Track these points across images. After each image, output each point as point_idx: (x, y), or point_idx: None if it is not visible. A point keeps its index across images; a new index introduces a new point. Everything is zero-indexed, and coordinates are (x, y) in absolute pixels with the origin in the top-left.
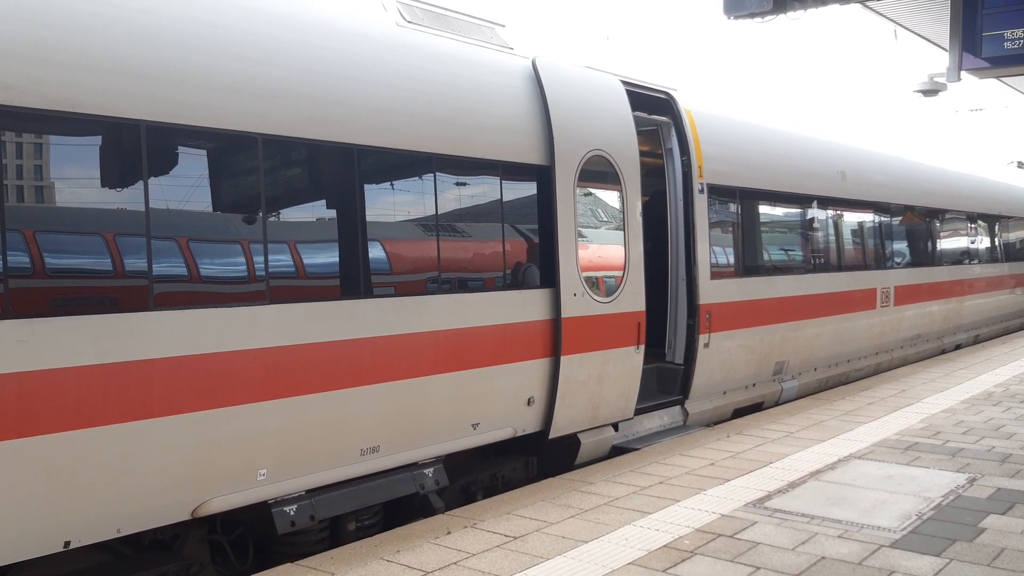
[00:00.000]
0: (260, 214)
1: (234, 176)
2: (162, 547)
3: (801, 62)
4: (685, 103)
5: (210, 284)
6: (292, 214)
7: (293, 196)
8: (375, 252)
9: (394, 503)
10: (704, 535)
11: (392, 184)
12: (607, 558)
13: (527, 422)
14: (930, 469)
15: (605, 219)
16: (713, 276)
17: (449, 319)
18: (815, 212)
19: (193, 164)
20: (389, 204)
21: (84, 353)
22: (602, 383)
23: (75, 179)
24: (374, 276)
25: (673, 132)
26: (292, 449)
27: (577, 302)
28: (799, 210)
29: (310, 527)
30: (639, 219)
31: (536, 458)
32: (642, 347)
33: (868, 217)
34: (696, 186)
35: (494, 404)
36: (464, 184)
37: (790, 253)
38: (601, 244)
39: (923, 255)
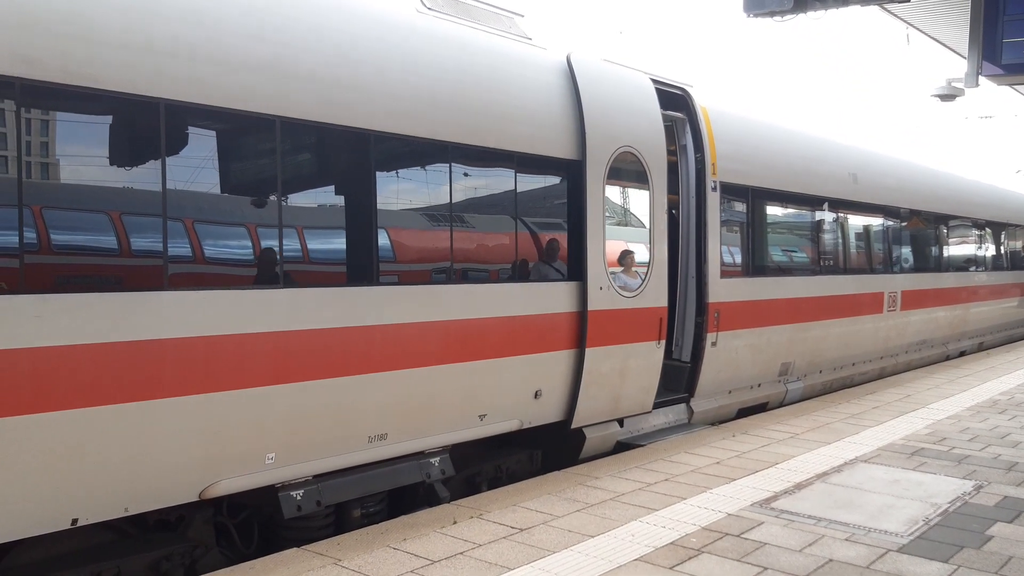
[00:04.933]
0: (276, 197)
1: (251, 158)
2: (167, 528)
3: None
4: (701, 100)
5: (224, 266)
6: (308, 198)
7: (309, 180)
8: (393, 240)
9: (399, 491)
10: (711, 534)
11: (413, 172)
12: (613, 553)
13: (536, 414)
14: (937, 475)
15: (631, 215)
16: (723, 275)
17: (473, 308)
18: (826, 214)
19: (211, 145)
20: (408, 192)
21: (97, 331)
22: (623, 376)
23: (92, 156)
24: (390, 264)
25: (688, 129)
26: (301, 434)
27: (603, 296)
28: (810, 211)
29: (316, 512)
30: (664, 216)
31: (541, 451)
32: (663, 342)
33: (878, 220)
34: (709, 184)
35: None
36: (494, 176)
37: (800, 254)
38: (627, 239)
39: (931, 260)
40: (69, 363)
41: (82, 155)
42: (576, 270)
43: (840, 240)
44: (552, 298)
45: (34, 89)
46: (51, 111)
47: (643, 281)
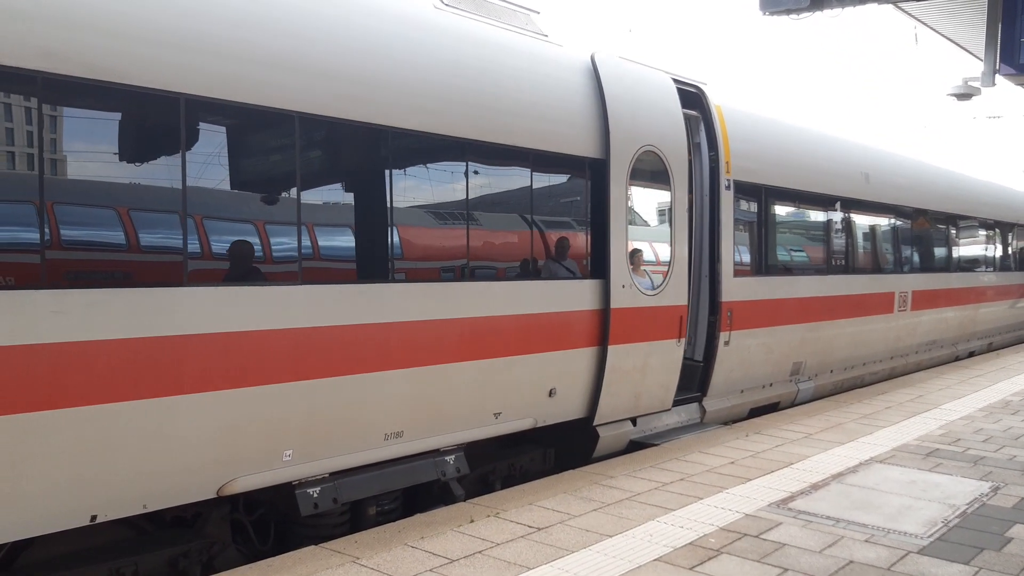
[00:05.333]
0: (294, 194)
1: (270, 154)
2: (184, 525)
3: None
4: (715, 98)
5: (243, 262)
6: (326, 195)
7: (327, 176)
8: (413, 237)
9: (412, 489)
10: (729, 534)
11: (433, 169)
12: (632, 553)
13: (550, 413)
14: (953, 476)
15: (653, 213)
16: (736, 274)
17: (492, 306)
18: (838, 213)
19: (231, 140)
20: (428, 189)
21: (117, 326)
22: (644, 374)
23: (112, 151)
24: (409, 261)
25: (702, 127)
26: (318, 431)
27: (625, 293)
28: (822, 211)
29: (331, 510)
30: (686, 215)
31: (554, 450)
32: (683, 340)
33: (889, 220)
34: (723, 182)
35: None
36: (516, 174)
37: (812, 253)
38: (648, 239)
39: (941, 260)
40: (88, 359)
41: (102, 150)
42: (598, 268)
43: (852, 240)
44: (574, 296)
45: (55, 84)
46: (72, 106)
47: (663, 280)
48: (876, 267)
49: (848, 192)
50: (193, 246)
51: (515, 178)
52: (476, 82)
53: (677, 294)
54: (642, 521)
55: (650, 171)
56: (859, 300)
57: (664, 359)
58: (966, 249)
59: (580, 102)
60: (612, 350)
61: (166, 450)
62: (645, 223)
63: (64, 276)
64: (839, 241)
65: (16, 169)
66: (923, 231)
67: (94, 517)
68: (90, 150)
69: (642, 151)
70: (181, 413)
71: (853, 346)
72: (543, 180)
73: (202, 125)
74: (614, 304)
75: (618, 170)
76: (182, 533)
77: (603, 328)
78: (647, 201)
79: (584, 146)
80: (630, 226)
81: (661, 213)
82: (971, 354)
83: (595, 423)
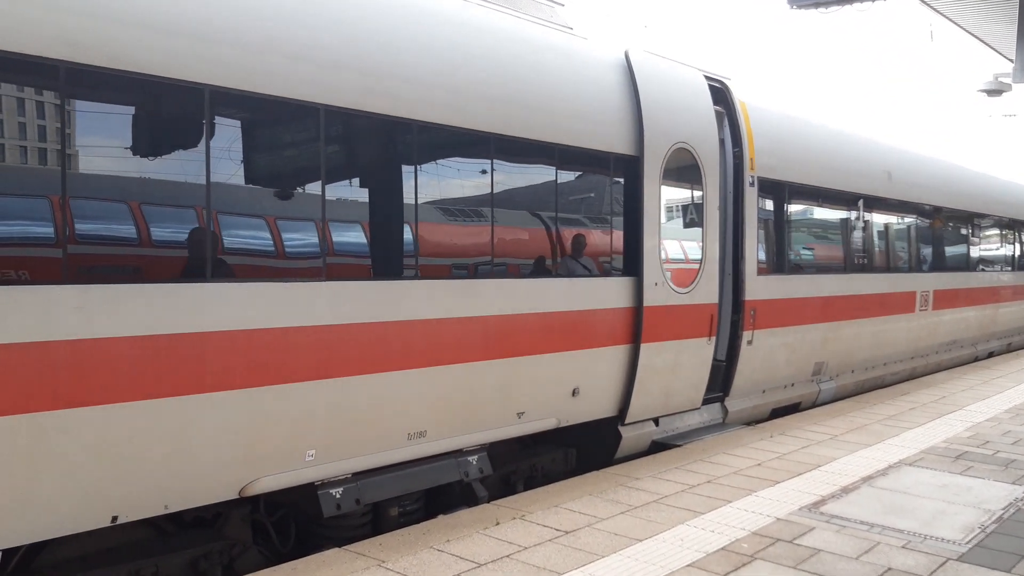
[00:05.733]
0: (320, 188)
1: (295, 148)
2: (204, 525)
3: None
4: (739, 94)
5: (268, 258)
6: (350, 190)
7: (353, 171)
8: (440, 234)
9: (434, 490)
10: (762, 539)
11: (463, 164)
12: (664, 559)
13: (573, 412)
14: (985, 480)
15: (685, 211)
16: (759, 272)
17: (522, 304)
18: (861, 211)
19: (256, 133)
20: (457, 185)
21: (140, 323)
22: (675, 372)
23: (135, 144)
24: (436, 258)
25: (726, 122)
26: (341, 431)
27: (658, 291)
28: (845, 208)
29: (353, 511)
30: (716, 213)
31: (575, 450)
32: (713, 339)
33: (911, 218)
34: (747, 179)
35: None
36: (548, 171)
37: (834, 252)
38: (680, 237)
39: (962, 259)
40: (110, 356)
41: (125, 143)
42: (630, 266)
43: (875, 238)
44: (605, 293)
45: (78, 74)
46: (95, 97)
47: (694, 278)
48: (898, 266)
49: (870, 190)
50: (218, 241)
51: (547, 175)
52: (508, 77)
53: (708, 292)
54: (671, 525)
55: (682, 169)
56: (881, 299)
57: (695, 357)
58: (986, 248)
59: (614, 99)
60: (645, 348)
61: (188, 450)
62: (677, 221)
63: (86, 271)
64: (861, 240)
65: (36, 162)
66: (944, 230)
67: (115, 518)
68: (114, 142)
69: (675, 148)
70: (204, 412)
71: (874, 346)
72: (576, 177)
73: (227, 117)
74: (647, 302)
75: (652, 167)
76: (202, 534)
77: (635, 326)
78: (679, 199)
79: (618, 143)
80: (665, 224)
81: (693, 211)
82: (990, 354)
83: (626, 421)
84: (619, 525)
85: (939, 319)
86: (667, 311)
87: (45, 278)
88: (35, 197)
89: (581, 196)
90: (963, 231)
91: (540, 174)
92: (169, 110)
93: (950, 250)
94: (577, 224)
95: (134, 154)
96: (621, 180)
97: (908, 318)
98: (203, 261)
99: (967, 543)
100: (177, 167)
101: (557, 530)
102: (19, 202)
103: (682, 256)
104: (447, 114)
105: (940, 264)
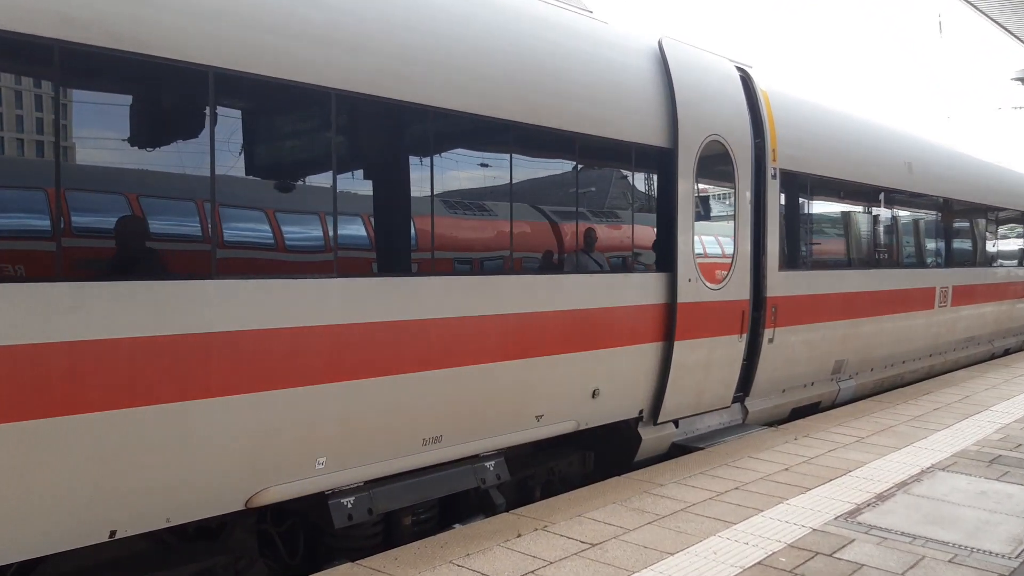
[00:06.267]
0: (331, 179)
1: (305, 135)
2: (208, 536)
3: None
4: (761, 82)
5: (276, 252)
6: (362, 181)
7: (366, 161)
8: (461, 228)
9: (449, 496)
10: (800, 552)
11: (486, 155)
12: (698, 574)
13: (592, 414)
14: None
15: (717, 205)
16: (780, 267)
17: (547, 302)
18: (881, 204)
19: (265, 119)
20: (478, 176)
21: (139, 323)
22: (707, 370)
23: (135, 132)
24: (457, 252)
25: (747, 111)
26: (353, 437)
27: (692, 288)
28: (866, 202)
29: (365, 521)
30: (749, 207)
31: (592, 453)
32: (744, 336)
33: (931, 212)
34: (769, 171)
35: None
36: (579, 162)
37: (855, 247)
38: (713, 233)
39: (980, 254)
40: (107, 359)
41: (125, 130)
42: (663, 261)
43: (895, 232)
44: (636, 290)
45: (74, 54)
46: (92, 79)
47: (726, 273)
48: (917, 261)
49: (891, 183)
50: (223, 235)
51: (575, 167)
52: (534, 63)
53: (740, 288)
54: (703, 536)
55: (715, 161)
56: (901, 296)
57: (726, 355)
58: (1004, 243)
59: (648, 88)
60: (679, 346)
61: (192, 459)
62: (708, 214)
63: (82, 267)
64: (882, 234)
65: (29, 151)
66: (963, 224)
67: (113, 533)
68: (113, 129)
69: (708, 140)
70: (208, 418)
71: (894, 344)
72: (605, 169)
73: (233, 102)
74: (681, 299)
75: (686, 160)
76: (206, 546)
77: (667, 323)
78: (711, 192)
79: (650, 134)
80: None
81: (725, 205)
82: (1006, 351)
83: (659, 420)
84: (647, 537)
85: (957, 315)
86: (701, 308)
87: (38, 274)
88: (30, 189)
89: (610, 189)
90: (981, 225)
91: (566, 165)
92: (175, 93)
93: (968, 245)
94: (606, 218)
95: (132, 141)
96: (653, 173)
97: (928, 315)
98: (206, 256)
99: (1017, 557)
100: (179, 154)
101: (583, 542)
102: (14, 194)
103: (715, 251)
104: (466, 101)
105: (959, 259)
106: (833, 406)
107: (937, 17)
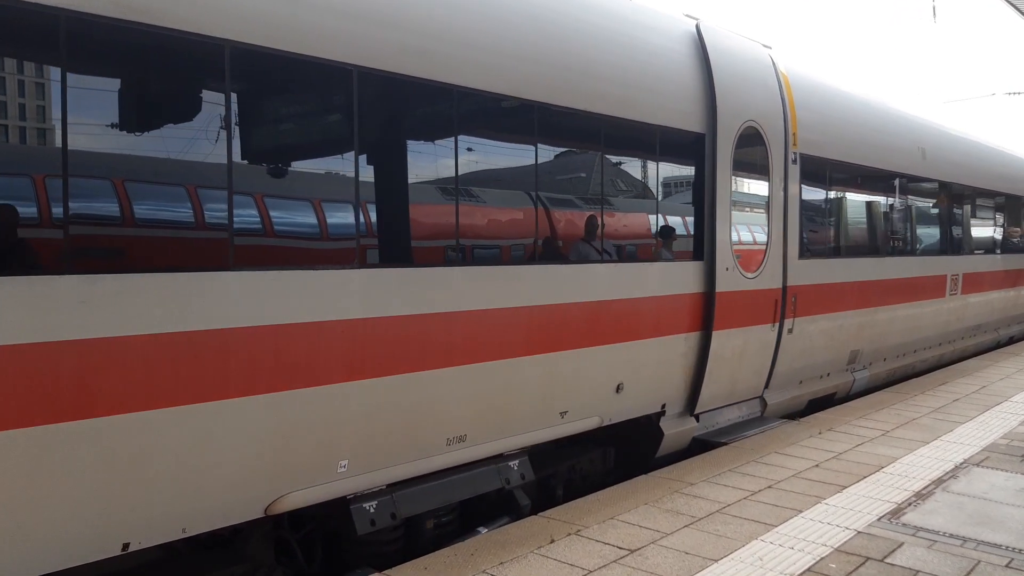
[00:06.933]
0: (353, 162)
1: (326, 115)
2: (222, 543)
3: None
4: (781, 64)
5: (296, 240)
6: (384, 165)
7: (390, 143)
8: (489, 216)
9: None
10: (849, 557)
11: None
12: None
13: (617, 409)
14: None
15: (751, 191)
16: (800, 255)
17: (579, 292)
18: (897, 191)
19: (285, 98)
20: (510, 160)
21: (153, 319)
22: (742, 360)
23: (146, 112)
24: (486, 240)
25: (779, 96)
26: (376, 437)
27: (728, 277)
28: (883, 188)
29: (388, 525)
30: (782, 193)
31: (613, 449)
32: (777, 324)
33: (943, 199)
34: (789, 156)
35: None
36: (615, 149)
37: (872, 234)
38: (746, 218)
39: (989, 241)
40: (120, 359)
41: (137, 112)
42: (700, 250)
43: (910, 219)
44: (672, 280)
45: (81, 23)
46: (100, 54)
47: (761, 261)
48: (930, 248)
49: (906, 168)
50: (239, 222)
51: (608, 152)
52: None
53: (773, 277)
54: (744, 540)
55: (750, 147)
56: (914, 283)
57: (760, 344)
58: (1011, 230)
59: (685, 73)
60: (716, 335)
61: (208, 464)
62: (743, 201)
63: (91, 260)
64: (897, 221)
65: (29, 132)
66: (974, 210)
67: (126, 545)
68: (122, 111)
69: (745, 127)
70: (225, 420)
71: (906, 332)
72: (640, 156)
73: (250, 80)
74: (719, 287)
75: (724, 146)
76: (222, 555)
77: (704, 313)
78: (745, 178)
79: (687, 120)
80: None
81: (759, 190)
82: (1011, 339)
83: (696, 411)
84: (687, 541)
85: (967, 303)
86: (738, 296)
87: (43, 268)
88: (24, 176)
89: (645, 176)
90: (990, 212)
91: (599, 151)
92: (186, 70)
93: (977, 232)
94: (642, 206)
95: (149, 123)
96: (689, 159)
97: (939, 303)
98: (225, 244)
99: None
100: (192, 138)
101: (620, 548)
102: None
103: (748, 239)
104: (490, 80)
105: (969, 246)
106: (847, 397)
107: (931, 2)
